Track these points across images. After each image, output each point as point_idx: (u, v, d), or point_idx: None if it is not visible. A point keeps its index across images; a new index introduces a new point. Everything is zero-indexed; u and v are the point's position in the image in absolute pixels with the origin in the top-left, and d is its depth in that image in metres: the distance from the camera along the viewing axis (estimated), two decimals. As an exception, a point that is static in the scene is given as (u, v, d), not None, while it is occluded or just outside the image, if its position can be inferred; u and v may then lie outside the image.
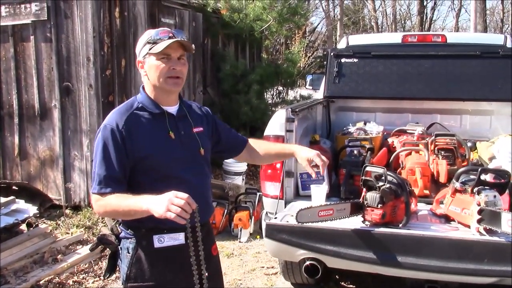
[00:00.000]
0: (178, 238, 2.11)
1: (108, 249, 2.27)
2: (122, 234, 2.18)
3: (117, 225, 2.21)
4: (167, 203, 1.81)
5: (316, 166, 2.40)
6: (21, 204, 4.95)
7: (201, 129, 2.27)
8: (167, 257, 2.11)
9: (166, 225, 1.97)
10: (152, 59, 2.08)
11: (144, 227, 2.08)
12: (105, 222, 5.47)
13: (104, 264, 4.64)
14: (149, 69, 2.11)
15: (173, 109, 2.19)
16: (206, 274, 2.06)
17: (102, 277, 4.38)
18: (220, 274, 2.42)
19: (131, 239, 2.13)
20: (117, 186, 2.03)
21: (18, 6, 6.14)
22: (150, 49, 2.08)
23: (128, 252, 2.12)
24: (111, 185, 2.02)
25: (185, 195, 1.84)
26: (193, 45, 2.17)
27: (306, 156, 2.41)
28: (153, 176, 2.09)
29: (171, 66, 2.08)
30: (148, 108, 2.13)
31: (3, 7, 6.22)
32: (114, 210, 2.02)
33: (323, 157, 2.40)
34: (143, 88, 2.19)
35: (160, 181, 2.06)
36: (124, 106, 2.15)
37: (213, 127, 2.40)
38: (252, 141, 2.57)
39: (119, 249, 2.19)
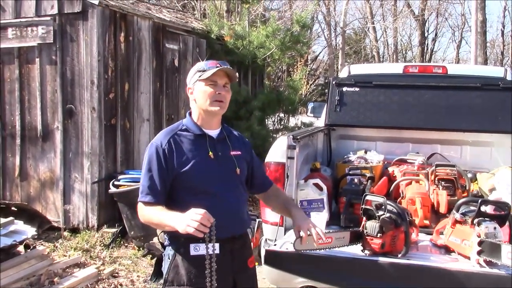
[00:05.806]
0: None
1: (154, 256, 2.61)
2: (166, 243, 2.47)
3: (163, 235, 2.49)
4: (186, 220, 2.08)
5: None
6: (19, 225, 4.92)
7: (238, 152, 2.52)
8: (202, 264, 2.28)
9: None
10: (201, 85, 2.39)
11: (183, 236, 2.27)
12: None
13: (101, 287, 4.66)
14: (197, 94, 2.41)
15: (214, 132, 2.47)
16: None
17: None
18: (255, 286, 2.60)
19: (171, 246, 2.41)
20: (155, 196, 2.32)
21: (25, 28, 6.24)
22: (199, 76, 2.39)
23: (168, 258, 2.41)
24: (150, 194, 2.33)
25: (202, 211, 2.09)
26: (236, 74, 2.47)
27: (299, 224, 2.53)
28: (191, 191, 2.35)
29: (217, 91, 2.38)
30: (190, 130, 2.43)
31: (10, 30, 6.32)
32: (149, 220, 2.33)
33: (317, 228, 2.53)
34: (189, 113, 2.49)
35: (198, 196, 2.32)
36: (170, 128, 2.47)
37: (250, 156, 2.63)
38: (274, 188, 2.79)
39: (163, 255, 2.49)
